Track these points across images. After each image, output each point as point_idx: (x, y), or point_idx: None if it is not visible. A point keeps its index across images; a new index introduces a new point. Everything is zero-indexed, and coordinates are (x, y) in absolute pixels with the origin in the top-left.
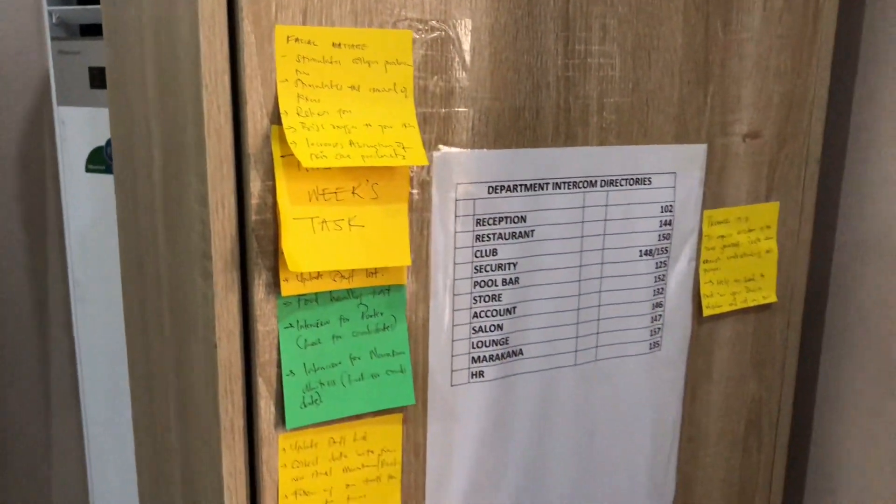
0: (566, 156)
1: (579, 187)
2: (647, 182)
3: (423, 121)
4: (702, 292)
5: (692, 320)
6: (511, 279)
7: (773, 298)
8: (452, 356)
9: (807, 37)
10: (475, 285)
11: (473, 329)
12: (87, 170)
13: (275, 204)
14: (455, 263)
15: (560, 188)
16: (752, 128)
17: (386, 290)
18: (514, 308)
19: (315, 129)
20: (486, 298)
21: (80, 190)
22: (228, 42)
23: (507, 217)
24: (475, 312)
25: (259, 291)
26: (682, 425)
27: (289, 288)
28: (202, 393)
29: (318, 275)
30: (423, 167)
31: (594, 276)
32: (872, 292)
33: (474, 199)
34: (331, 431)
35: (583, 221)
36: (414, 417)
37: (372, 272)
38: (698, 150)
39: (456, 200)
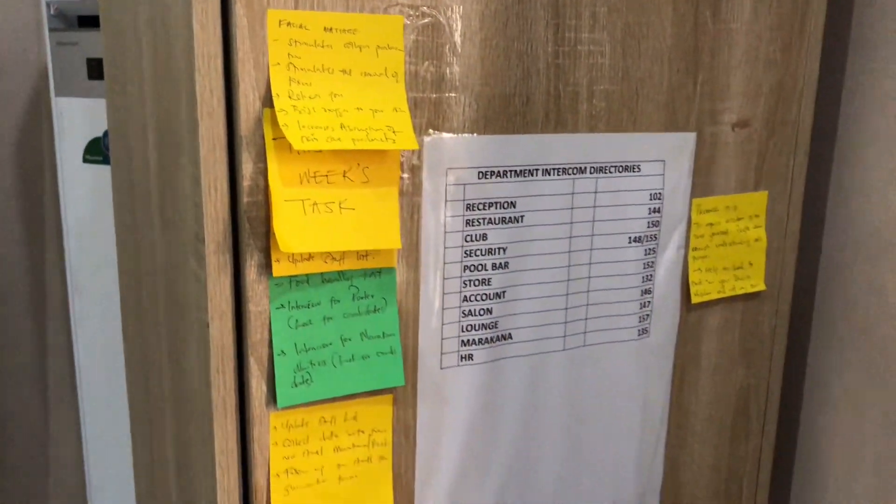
0: (556, 142)
1: (569, 174)
2: (637, 169)
3: (414, 106)
4: (690, 280)
5: (681, 307)
6: (500, 264)
7: (761, 287)
8: (442, 339)
9: (796, 26)
10: (465, 269)
11: (463, 313)
12: (85, 160)
13: (266, 186)
14: (445, 247)
15: (550, 174)
16: (742, 117)
17: (376, 272)
18: (504, 292)
19: (306, 113)
20: (476, 283)
21: (77, 181)
22: (221, 26)
23: (496, 202)
24: (465, 296)
25: (251, 272)
26: (670, 412)
27: (280, 269)
28: (195, 373)
29: (310, 256)
30: (413, 152)
31: (583, 262)
32: (861, 282)
33: (464, 184)
34: (322, 411)
35: (572, 208)
36: (404, 399)
37: (363, 255)
38: (687, 139)
39: (446, 185)
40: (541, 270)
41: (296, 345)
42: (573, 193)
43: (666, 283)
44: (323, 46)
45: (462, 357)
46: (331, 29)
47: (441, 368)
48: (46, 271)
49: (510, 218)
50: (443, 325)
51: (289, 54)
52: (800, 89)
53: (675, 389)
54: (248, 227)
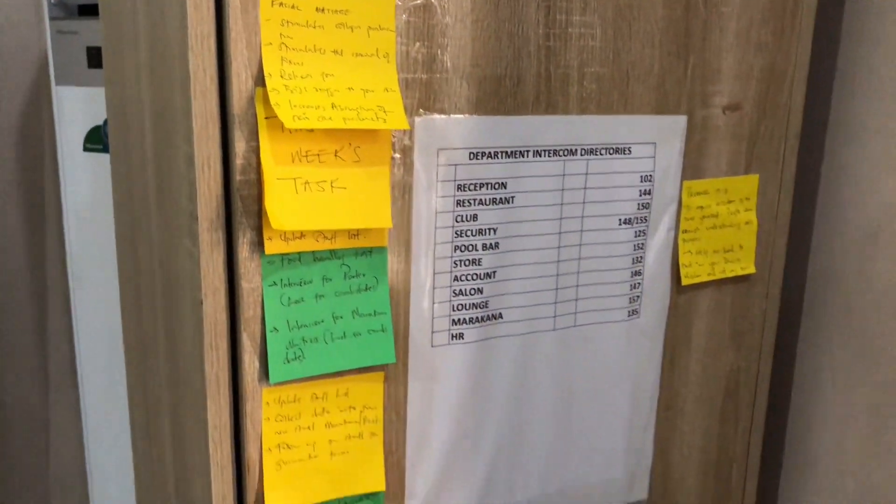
0: (547, 124)
1: (559, 155)
2: (627, 152)
3: (405, 86)
4: (680, 262)
5: (671, 289)
6: (491, 244)
7: (751, 270)
8: (433, 318)
9: (788, 9)
10: (456, 249)
11: (454, 292)
12: (85, 149)
13: (259, 164)
14: (436, 227)
15: (540, 156)
16: (733, 100)
17: (368, 252)
18: (494, 272)
19: (298, 92)
20: (467, 262)
21: (77, 169)
22: (214, 6)
23: (487, 183)
24: (455, 276)
25: (244, 250)
26: (660, 393)
27: (272, 247)
28: (189, 349)
29: (301, 235)
30: (405, 132)
31: (573, 244)
32: (850, 266)
33: (455, 165)
34: (313, 387)
35: (562, 189)
36: (395, 376)
37: (354, 234)
38: (678, 122)
39: (437, 166)
40: (531, 251)
41: (288, 322)
42: (564, 175)
43: (656, 264)
44: (315, 27)
45: (453, 336)
46: (323, 9)
47: (432, 347)
48: (47, 258)
49: (501, 199)
50: (434, 304)
51: (281, 34)
52: (791, 73)
53: (665, 370)
54: (241, 205)
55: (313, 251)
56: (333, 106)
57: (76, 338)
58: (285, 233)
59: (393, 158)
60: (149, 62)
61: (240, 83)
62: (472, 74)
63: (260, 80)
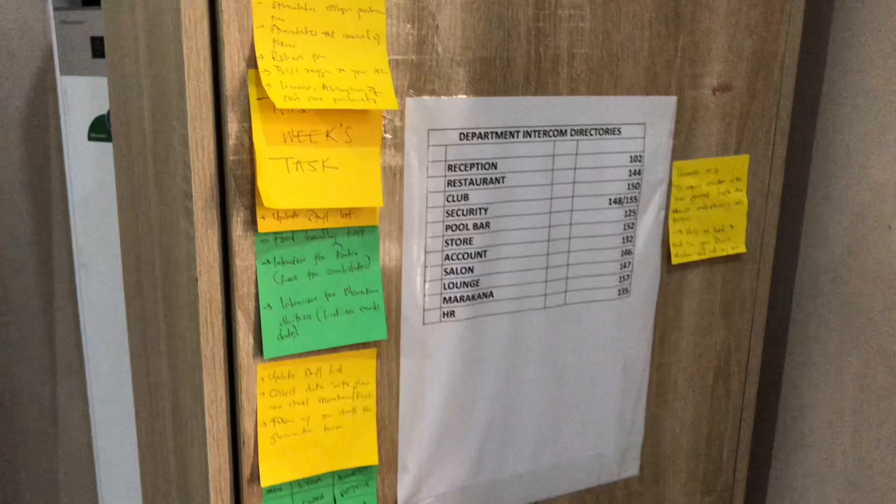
0: (537, 105)
1: (549, 136)
2: (617, 132)
3: (396, 67)
4: (671, 241)
5: (661, 268)
6: (482, 224)
7: (742, 249)
8: (425, 296)
9: None
10: (447, 229)
11: (445, 271)
12: (90, 138)
13: (251, 145)
14: (427, 207)
15: (530, 136)
16: (723, 81)
17: (360, 230)
18: (485, 252)
19: (289, 73)
20: (458, 242)
21: (82, 158)
22: None
23: (478, 164)
24: (447, 255)
25: (237, 228)
26: (650, 370)
27: (265, 225)
28: (185, 326)
29: (294, 214)
30: (396, 113)
31: (564, 223)
32: (840, 244)
33: (446, 146)
34: (307, 363)
35: (553, 169)
36: (387, 353)
37: (346, 213)
38: (668, 102)
39: (428, 146)
40: (522, 231)
41: (281, 299)
42: (554, 155)
43: (646, 244)
44: (306, 9)
45: (444, 314)
46: None
47: (423, 324)
48: (53, 247)
49: (491, 179)
50: (425, 282)
51: (272, 17)
52: (782, 53)
53: (656, 348)
54: (235, 184)
55: (306, 230)
56: (324, 87)
57: (82, 325)
58: (278, 211)
59: (384, 139)
60: (146, 48)
61: (232, 65)
62: (463, 56)
63: (252, 62)
